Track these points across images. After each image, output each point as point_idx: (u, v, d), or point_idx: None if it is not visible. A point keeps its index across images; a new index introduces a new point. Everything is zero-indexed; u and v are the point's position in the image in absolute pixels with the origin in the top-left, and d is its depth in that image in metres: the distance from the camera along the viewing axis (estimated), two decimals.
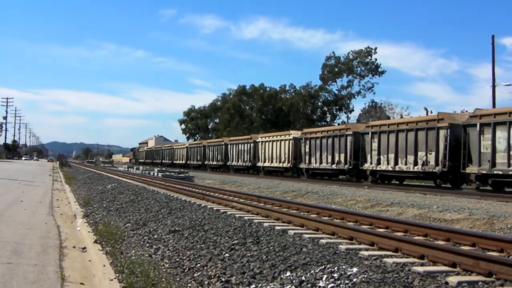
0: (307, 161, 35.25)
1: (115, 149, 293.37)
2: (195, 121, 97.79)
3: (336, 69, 72.76)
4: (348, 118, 73.32)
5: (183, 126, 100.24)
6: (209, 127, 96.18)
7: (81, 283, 7.38)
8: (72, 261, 8.80)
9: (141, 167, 53.98)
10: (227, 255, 7.38)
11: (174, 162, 67.93)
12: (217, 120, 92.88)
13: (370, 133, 28.82)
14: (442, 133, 23.87)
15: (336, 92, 75.18)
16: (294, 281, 5.73)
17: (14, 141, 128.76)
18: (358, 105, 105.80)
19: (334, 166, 32.25)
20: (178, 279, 6.87)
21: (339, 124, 63.12)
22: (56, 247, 9.79)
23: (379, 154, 27.99)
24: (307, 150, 35.25)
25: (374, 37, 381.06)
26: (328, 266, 6.04)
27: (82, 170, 51.58)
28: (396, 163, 26.69)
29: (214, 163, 53.81)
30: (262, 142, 42.72)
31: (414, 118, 29.84)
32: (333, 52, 74.68)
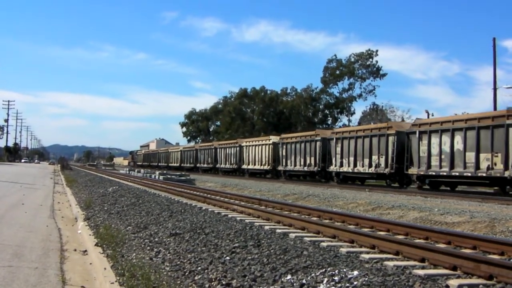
0: (284, 164, 38.05)
1: (116, 152, 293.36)
2: (196, 124, 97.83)
3: (338, 72, 72.73)
4: (349, 121, 73.30)
5: (184, 129, 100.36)
6: (210, 130, 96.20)
7: (82, 286, 7.38)
8: (73, 264, 8.82)
9: (142, 170, 54.16)
10: (228, 258, 7.39)
11: (170, 164, 70.68)
12: (218, 123, 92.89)
13: (334, 138, 31.78)
14: (390, 139, 26.85)
15: (338, 95, 75.18)
16: (295, 284, 5.74)
17: (15, 143, 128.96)
18: (360, 108, 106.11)
19: (306, 168, 35.02)
20: (179, 282, 6.87)
21: (340, 127, 63.20)
22: (57, 250, 9.80)
23: (342, 157, 30.91)
24: (284, 153, 38.11)
25: (375, 40, 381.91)
26: (329, 269, 6.04)
27: (83, 173, 51.62)
28: (355, 165, 29.57)
29: (205, 165, 56.28)
30: (246, 146, 45.30)
31: (369, 126, 33.72)
32: (335, 55, 74.74)
